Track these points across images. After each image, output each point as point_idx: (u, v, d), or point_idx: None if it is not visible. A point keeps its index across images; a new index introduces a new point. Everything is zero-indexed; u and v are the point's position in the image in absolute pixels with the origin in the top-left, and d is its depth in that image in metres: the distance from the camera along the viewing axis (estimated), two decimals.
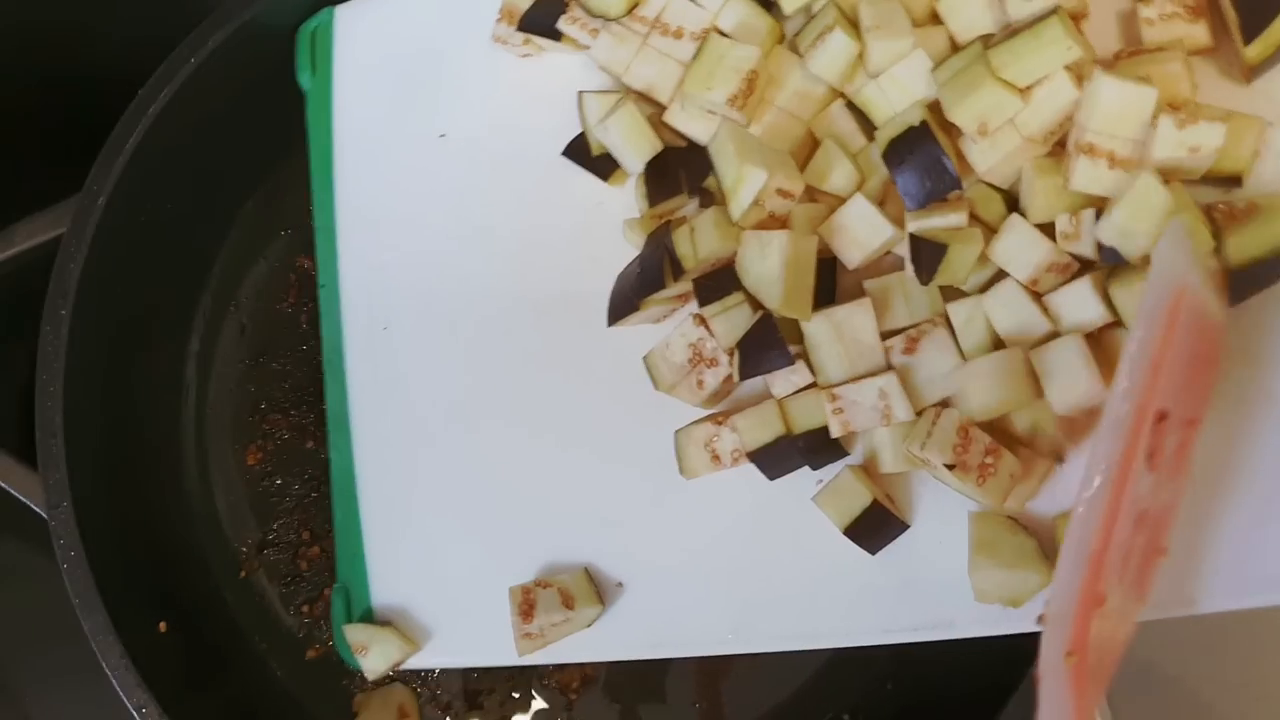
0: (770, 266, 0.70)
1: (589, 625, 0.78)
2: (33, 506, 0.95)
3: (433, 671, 1.04)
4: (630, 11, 0.76)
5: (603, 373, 0.79)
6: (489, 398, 0.81)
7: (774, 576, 0.76)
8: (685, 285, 0.75)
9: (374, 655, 0.82)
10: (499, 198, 0.82)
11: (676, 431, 0.76)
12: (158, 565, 1.01)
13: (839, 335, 0.71)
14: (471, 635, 0.81)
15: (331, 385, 0.86)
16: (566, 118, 0.80)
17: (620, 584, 0.79)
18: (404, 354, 0.83)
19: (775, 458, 0.74)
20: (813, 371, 0.72)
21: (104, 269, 0.95)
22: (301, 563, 1.06)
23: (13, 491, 0.96)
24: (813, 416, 0.72)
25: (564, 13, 0.77)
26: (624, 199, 0.79)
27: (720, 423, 0.75)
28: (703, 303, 0.73)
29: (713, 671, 1.02)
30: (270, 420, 1.09)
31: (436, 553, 0.82)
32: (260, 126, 1.05)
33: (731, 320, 0.73)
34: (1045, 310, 0.68)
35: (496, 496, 0.80)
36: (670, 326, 0.76)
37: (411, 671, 1.04)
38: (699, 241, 0.73)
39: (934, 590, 0.72)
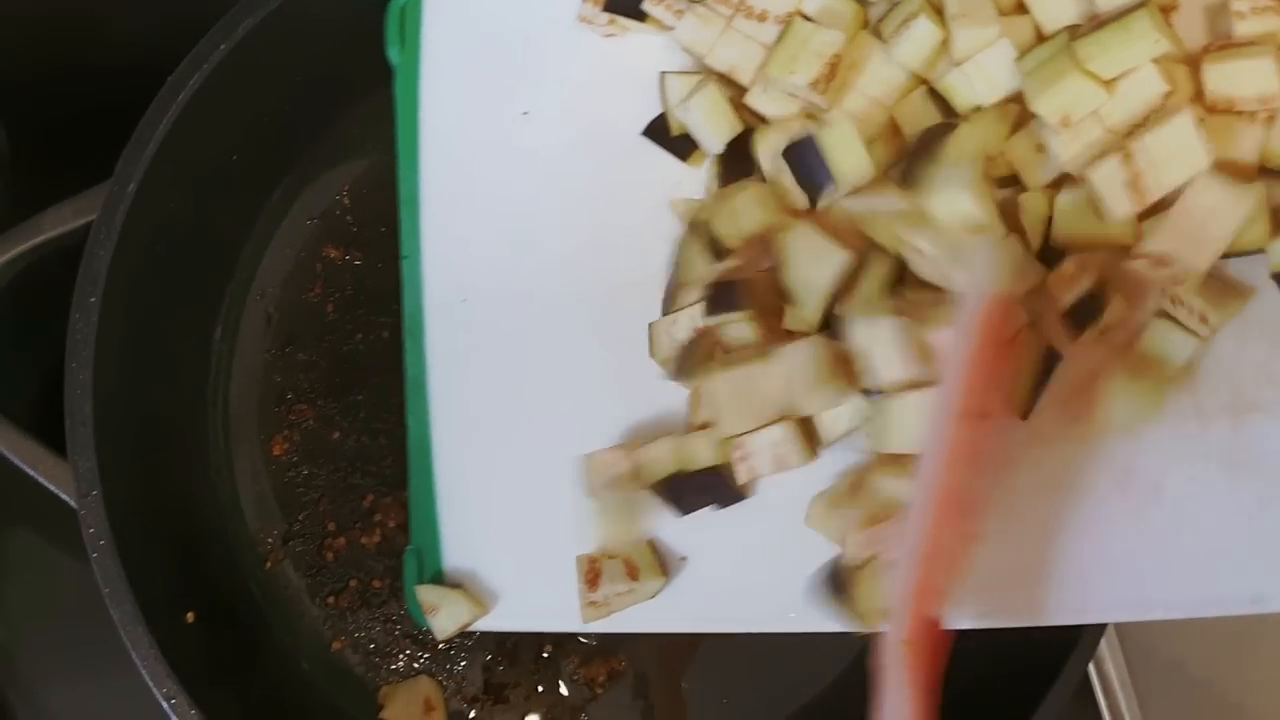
0: (821, 277, 0.72)
1: (652, 597, 0.79)
2: (60, 495, 0.93)
3: (459, 663, 1.03)
4: None
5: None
6: (563, 372, 0.82)
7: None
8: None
9: (444, 616, 0.83)
10: (579, 176, 0.82)
11: (584, 456, 0.79)
12: (184, 556, 1.00)
13: (738, 390, 0.73)
14: (539, 601, 0.82)
15: (411, 353, 0.86)
16: (647, 98, 0.81)
17: (685, 558, 0.79)
18: (482, 326, 0.83)
19: (675, 492, 0.77)
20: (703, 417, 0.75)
21: (132, 257, 0.94)
22: (328, 554, 1.05)
23: (41, 480, 0.94)
24: (705, 456, 0.76)
25: None
26: (698, 179, 0.80)
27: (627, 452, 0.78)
28: (709, 312, 0.75)
29: (742, 667, 1.02)
30: (297, 410, 1.08)
31: (509, 519, 0.83)
32: (291, 114, 1.06)
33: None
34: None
35: (568, 466, 0.80)
36: None
37: (438, 664, 1.04)
38: (742, 220, 0.75)
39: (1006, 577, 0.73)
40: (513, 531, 0.83)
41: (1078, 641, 0.82)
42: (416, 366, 0.85)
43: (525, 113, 0.84)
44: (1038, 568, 0.72)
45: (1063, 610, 0.72)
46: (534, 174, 0.83)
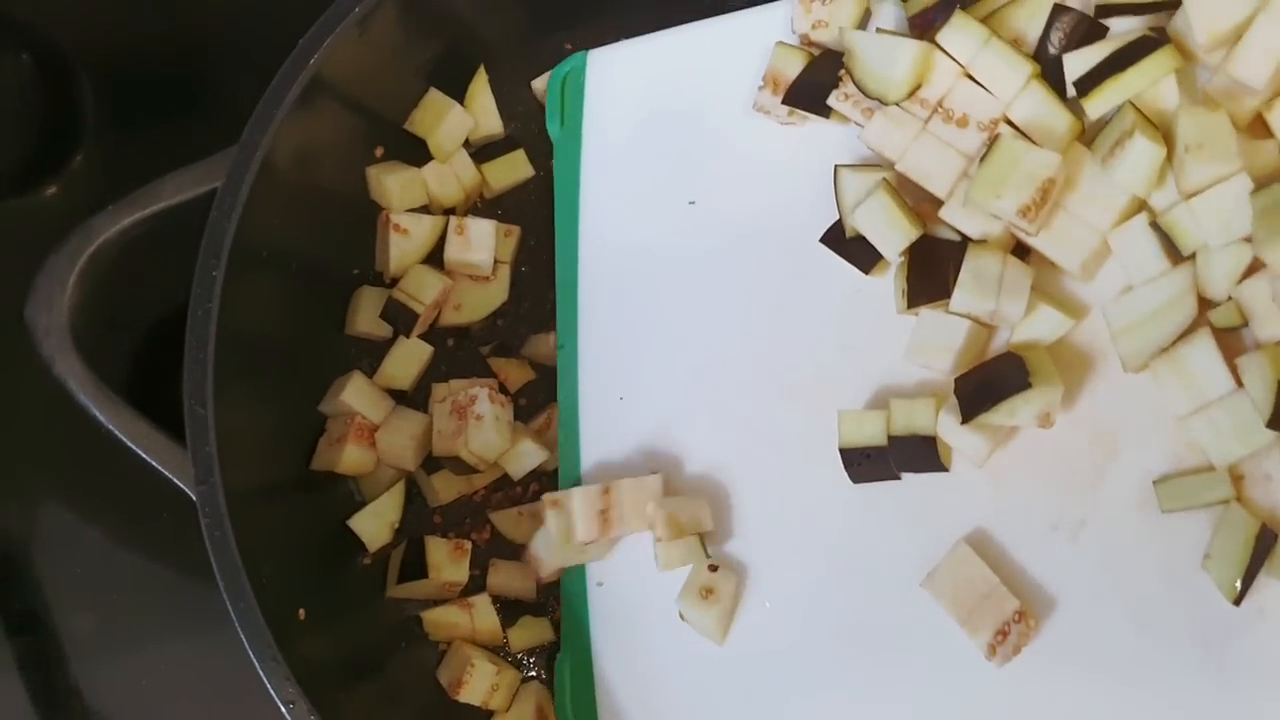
0: None
1: None
2: (176, 482, 0.88)
3: None
4: (911, 94, 0.68)
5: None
6: (726, 478, 0.77)
7: None
8: None
9: None
10: (748, 274, 0.76)
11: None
12: (296, 550, 0.95)
13: None
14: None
15: (565, 448, 0.81)
16: (825, 193, 0.73)
17: None
18: (639, 426, 0.79)
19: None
20: None
21: (257, 229, 0.88)
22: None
23: (154, 463, 0.88)
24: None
25: (835, 86, 0.70)
26: (883, 288, 0.74)
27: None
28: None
29: None
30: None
31: (664, 637, 0.78)
32: (422, 82, 1.00)
33: None
34: None
35: None
36: None
37: (549, 670, 1.02)
38: None
39: None
40: (668, 654, 0.78)
41: None
42: (570, 461, 0.81)
43: (691, 202, 0.77)
44: None
45: None
46: (699, 268, 0.77)
